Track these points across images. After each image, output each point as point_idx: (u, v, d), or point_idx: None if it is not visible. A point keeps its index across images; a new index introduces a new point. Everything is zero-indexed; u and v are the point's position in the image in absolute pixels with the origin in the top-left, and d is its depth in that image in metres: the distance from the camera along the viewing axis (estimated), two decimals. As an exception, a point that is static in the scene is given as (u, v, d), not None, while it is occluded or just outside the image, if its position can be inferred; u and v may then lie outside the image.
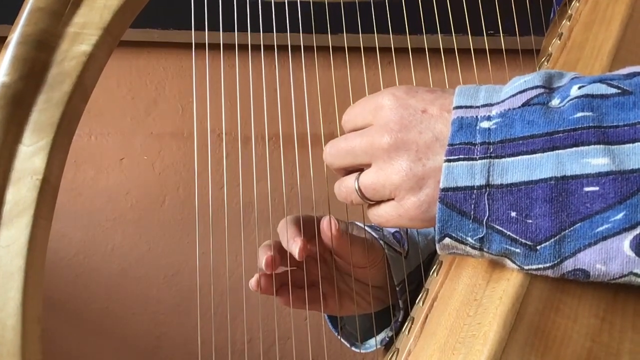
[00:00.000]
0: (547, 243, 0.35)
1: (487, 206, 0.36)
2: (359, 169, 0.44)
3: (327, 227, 0.52)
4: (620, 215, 0.33)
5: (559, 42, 0.57)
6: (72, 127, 0.40)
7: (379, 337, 0.60)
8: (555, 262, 0.35)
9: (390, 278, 0.58)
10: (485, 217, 0.36)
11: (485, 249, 0.37)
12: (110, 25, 0.41)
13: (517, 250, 0.36)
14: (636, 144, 0.33)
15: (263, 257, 0.53)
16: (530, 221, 0.35)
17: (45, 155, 0.38)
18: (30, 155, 0.38)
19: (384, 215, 0.41)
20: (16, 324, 0.36)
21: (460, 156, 0.36)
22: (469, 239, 0.37)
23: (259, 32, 0.54)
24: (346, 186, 0.44)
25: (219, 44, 0.52)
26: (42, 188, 0.38)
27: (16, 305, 0.36)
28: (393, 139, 0.39)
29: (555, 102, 0.37)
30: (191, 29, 0.52)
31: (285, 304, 0.56)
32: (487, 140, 0.36)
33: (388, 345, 0.58)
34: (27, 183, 0.38)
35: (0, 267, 0.36)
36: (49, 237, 0.39)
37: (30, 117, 0.38)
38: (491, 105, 0.37)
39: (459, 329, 0.40)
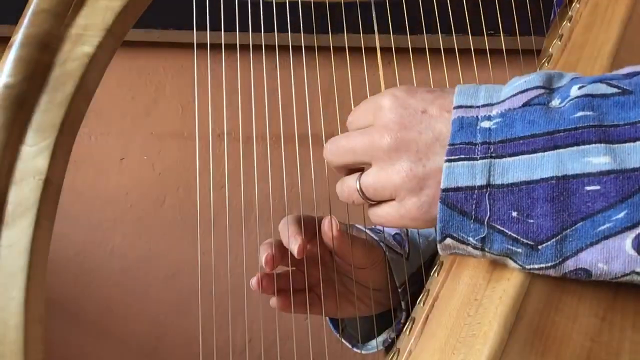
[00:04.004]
0: (549, 243, 0.35)
1: (488, 206, 0.36)
2: (360, 168, 0.44)
3: (328, 227, 0.52)
4: (621, 214, 0.33)
5: (559, 43, 0.57)
6: (74, 128, 0.40)
7: (381, 338, 0.60)
8: (557, 261, 0.36)
9: (392, 280, 0.58)
10: (487, 217, 0.36)
11: (486, 249, 0.37)
12: (112, 26, 0.41)
13: (519, 250, 0.36)
14: (637, 142, 0.34)
15: (263, 255, 0.54)
16: (532, 221, 0.35)
17: (48, 156, 0.38)
18: (33, 156, 0.38)
19: (385, 215, 0.42)
20: (18, 323, 0.36)
21: (461, 156, 0.36)
22: (471, 239, 0.37)
23: (260, 32, 0.55)
24: (348, 186, 0.44)
25: (220, 43, 0.52)
26: (45, 188, 0.38)
27: (18, 304, 0.36)
28: (393, 139, 0.39)
29: (555, 102, 0.37)
30: (191, 29, 0.52)
31: (283, 308, 0.56)
32: (487, 140, 0.36)
33: (389, 346, 0.59)
34: (29, 183, 0.38)
35: (2, 267, 0.37)
36: (51, 237, 0.39)
37: (33, 118, 0.38)
38: (491, 105, 0.38)
39: (459, 328, 0.40)
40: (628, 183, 0.33)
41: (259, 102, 0.56)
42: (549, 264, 0.36)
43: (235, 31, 0.54)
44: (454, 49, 0.59)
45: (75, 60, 0.40)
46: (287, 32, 0.53)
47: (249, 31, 0.53)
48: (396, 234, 0.60)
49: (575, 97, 0.36)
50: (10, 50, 0.39)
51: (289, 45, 0.53)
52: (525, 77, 0.39)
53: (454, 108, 0.38)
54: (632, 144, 0.34)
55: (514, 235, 0.36)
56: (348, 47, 0.57)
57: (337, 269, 0.58)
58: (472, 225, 0.37)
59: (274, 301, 0.56)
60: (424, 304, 0.48)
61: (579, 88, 0.36)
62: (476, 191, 0.36)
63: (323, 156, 0.46)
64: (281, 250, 0.55)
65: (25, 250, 0.37)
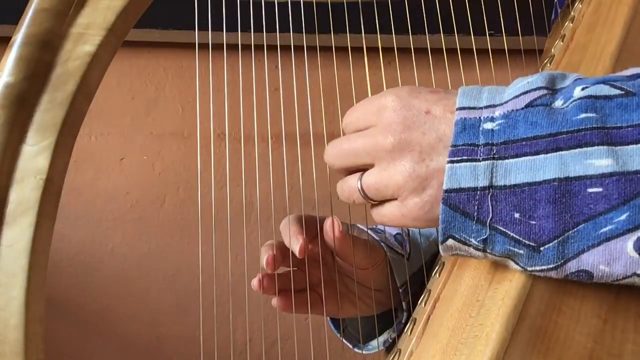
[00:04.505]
0: (551, 244, 0.35)
1: (490, 207, 0.36)
2: (361, 169, 0.44)
3: (330, 227, 0.52)
4: (623, 217, 0.33)
5: (561, 43, 0.57)
6: (75, 127, 0.40)
7: (382, 338, 0.60)
8: (559, 263, 0.36)
9: (393, 280, 0.58)
10: (489, 219, 0.36)
11: (488, 250, 0.37)
12: (114, 25, 0.41)
13: (521, 251, 0.36)
14: (639, 145, 0.34)
15: (265, 256, 0.53)
16: (534, 222, 0.35)
17: (49, 155, 0.38)
18: (34, 155, 0.38)
19: (387, 215, 0.41)
20: (19, 323, 0.36)
21: (464, 157, 0.36)
22: (472, 240, 0.37)
23: (262, 32, 0.54)
24: (349, 186, 0.44)
25: (221, 43, 0.52)
26: (46, 188, 0.38)
27: (19, 304, 0.36)
28: (397, 139, 0.39)
29: (558, 103, 0.37)
30: (191, 29, 0.52)
31: (284, 308, 0.56)
32: (490, 142, 0.36)
33: (390, 346, 0.58)
34: (30, 183, 0.38)
35: (3, 267, 0.37)
36: (52, 236, 0.39)
37: (34, 117, 0.38)
38: (494, 106, 0.37)
39: (461, 329, 0.40)
40: (630, 185, 0.33)
41: (260, 102, 0.56)
42: (551, 266, 0.36)
43: (237, 31, 0.54)
44: (456, 49, 0.59)
45: (76, 60, 0.40)
46: (289, 32, 0.53)
47: (250, 31, 0.53)
48: (397, 234, 0.60)
49: (579, 99, 0.36)
50: (11, 49, 0.39)
51: (290, 45, 0.53)
52: (529, 78, 0.39)
53: (457, 109, 0.38)
54: (634, 146, 0.34)
55: (516, 236, 0.36)
56: (350, 47, 0.57)
57: (338, 269, 0.58)
58: (474, 227, 0.37)
59: (275, 301, 0.56)
60: (425, 304, 0.48)
61: (582, 89, 0.36)
62: (478, 192, 0.36)
63: (324, 159, 0.46)
64: (282, 251, 0.54)
65: (26, 250, 0.37)
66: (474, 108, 0.38)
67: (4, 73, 0.38)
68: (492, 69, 0.58)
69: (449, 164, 0.36)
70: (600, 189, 0.34)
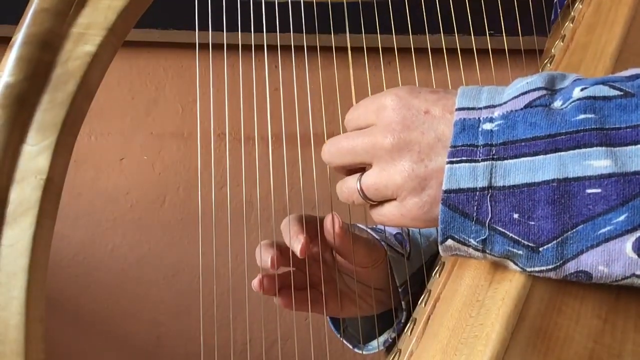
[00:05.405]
0: (550, 245, 0.35)
1: (489, 208, 0.36)
2: (359, 169, 0.44)
3: (330, 224, 0.52)
4: (622, 217, 0.33)
5: (561, 44, 0.57)
6: (76, 127, 0.40)
7: (382, 338, 0.60)
8: (558, 263, 0.36)
9: (393, 279, 0.58)
10: (488, 219, 0.36)
11: (487, 251, 0.37)
12: (114, 25, 0.41)
13: (520, 252, 0.36)
14: (638, 145, 0.34)
15: (267, 256, 0.53)
16: (533, 223, 0.35)
17: (50, 155, 0.38)
18: (35, 155, 0.38)
19: (386, 214, 0.42)
20: (19, 323, 0.36)
21: (463, 158, 0.36)
22: (472, 240, 0.37)
23: (262, 32, 0.54)
24: (348, 187, 0.44)
25: (221, 43, 0.52)
26: (46, 188, 0.38)
27: (19, 304, 0.36)
28: (396, 139, 0.39)
29: (557, 103, 0.37)
30: (191, 29, 0.52)
31: (286, 306, 0.56)
32: (489, 142, 0.36)
33: (390, 346, 0.58)
34: (31, 183, 0.38)
35: (4, 267, 0.37)
36: (52, 236, 0.39)
37: (34, 117, 0.38)
38: (494, 106, 0.37)
39: (461, 329, 0.40)
40: (629, 186, 0.33)
41: (260, 102, 0.56)
42: (550, 267, 0.36)
43: (237, 31, 0.54)
44: (456, 49, 0.59)
45: (77, 59, 0.40)
46: (289, 32, 0.53)
47: (250, 31, 0.53)
48: (397, 233, 0.60)
49: (577, 99, 0.36)
50: (11, 50, 0.39)
51: (290, 45, 0.53)
52: (528, 78, 0.39)
53: (456, 110, 0.38)
54: (633, 147, 0.34)
55: (515, 237, 0.36)
56: (350, 47, 0.57)
57: (339, 267, 0.58)
58: (473, 227, 0.37)
59: (276, 299, 0.56)
60: (425, 304, 0.48)
61: (582, 90, 0.36)
62: (477, 193, 0.36)
63: (321, 157, 0.46)
64: (282, 251, 0.54)
65: (27, 250, 0.37)
66: (473, 108, 0.38)
67: (4, 73, 0.38)
68: (492, 69, 0.58)
69: (448, 165, 0.36)
70: (599, 190, 0.34)
